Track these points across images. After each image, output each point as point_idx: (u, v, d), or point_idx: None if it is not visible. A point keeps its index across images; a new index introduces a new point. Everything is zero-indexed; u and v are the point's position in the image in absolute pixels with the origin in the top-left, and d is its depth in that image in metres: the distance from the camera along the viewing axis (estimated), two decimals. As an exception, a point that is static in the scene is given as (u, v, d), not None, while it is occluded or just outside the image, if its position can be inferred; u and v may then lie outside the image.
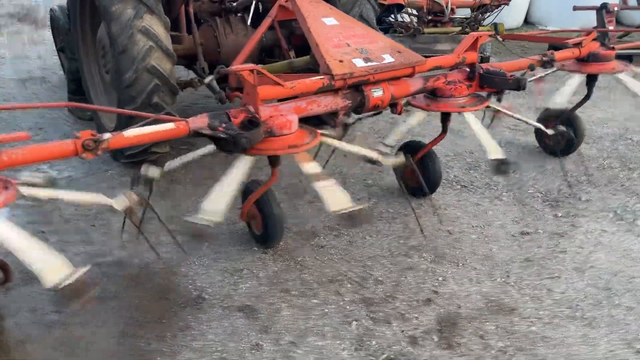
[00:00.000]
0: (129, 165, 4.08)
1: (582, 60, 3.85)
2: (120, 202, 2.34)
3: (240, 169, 2.47)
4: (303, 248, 3.16)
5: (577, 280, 2.87)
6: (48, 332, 2.50)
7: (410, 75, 3.05)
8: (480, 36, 3.24)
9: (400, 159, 2.96)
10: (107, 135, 2.28)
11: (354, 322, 2.58)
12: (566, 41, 3.81)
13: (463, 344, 2.44)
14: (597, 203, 3.66)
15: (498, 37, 3.99)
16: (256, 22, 4.40)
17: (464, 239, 3.26)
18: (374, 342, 2.45)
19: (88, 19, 4.30)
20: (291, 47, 4.56)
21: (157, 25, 3.50)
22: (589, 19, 5.65)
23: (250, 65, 2.52)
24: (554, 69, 3.82)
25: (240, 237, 3.24)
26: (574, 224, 3.42)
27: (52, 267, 2.02)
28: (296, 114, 2.68)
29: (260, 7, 4.57)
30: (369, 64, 2.86)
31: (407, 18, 7.28)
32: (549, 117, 4.20)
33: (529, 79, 3.34)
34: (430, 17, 7.32)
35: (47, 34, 8.37)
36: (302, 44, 4.76)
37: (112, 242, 3.18)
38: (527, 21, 10.48)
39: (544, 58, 3.62)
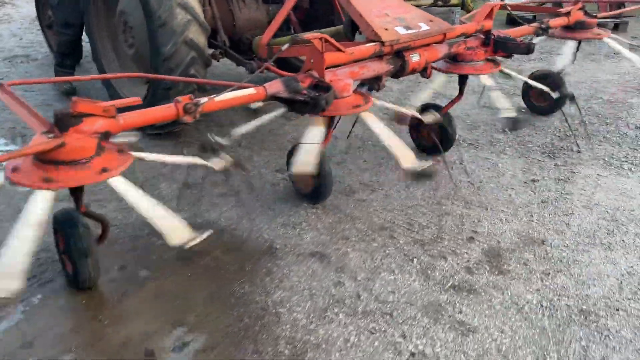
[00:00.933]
0: (154, 137, 4.24)
1: (569, 28, 4.35)
2: (217, 163, 2.57)
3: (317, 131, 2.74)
4: (347, 203, 3.49)
5: (588, 215, 3.37)
6: (142, 287, 2.72)
7: (442, 42, 3.40)
8: (495, 6, 3.63)
9: (437, 116, 3.32)
10: (203, 100, 2.49)
11: (414, 259, 2.94)
12: (557, 10, 4.28)
13: (511, 269, 2.86)
14: (587, 153, 4.19)
15: (508, 7, 4.39)
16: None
17: (484, 188, 3.69)
18: (437, 274, 2.83)
19: (103, -5, 4.36)
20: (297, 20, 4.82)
21: (193, 0, 3.66)
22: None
23: (319, 34, 2.79)
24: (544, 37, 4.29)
25: (285, 196, 3.53)
26: (573, 170, 3.92)
27: (176, 228, 2.25)
28: (351, 78, 2.99)
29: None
30: (410, 31, 3.19)
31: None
32: (535, 80, 4.68)
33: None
34: (404, -9, 7.67)
35: (11, 11, 8.14)
36: (304, 18, 5.04)
37: (171, 203, 3.38)
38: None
39: (541, 25, 4.07)
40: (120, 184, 2.24)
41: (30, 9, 7.15)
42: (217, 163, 2.57)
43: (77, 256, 2.47)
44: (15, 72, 5.79)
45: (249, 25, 4.48)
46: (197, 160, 2.57)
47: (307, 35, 2.80)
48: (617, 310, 2.57)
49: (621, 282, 2.76)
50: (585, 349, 2.34)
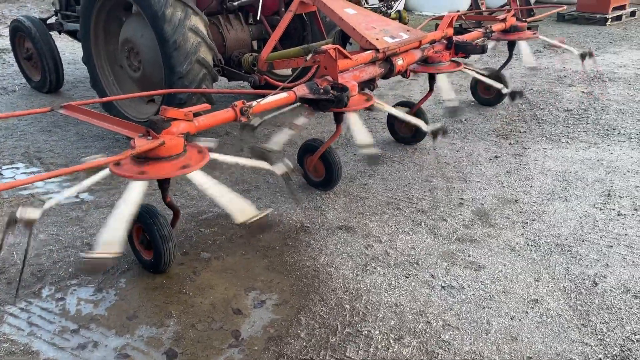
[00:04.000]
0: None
1: (506, 32, 5.25)
2: (279, 168, 3.09)
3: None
4: (352, 187, 4.11)
5: (544, 178, 4.19)
6: (208, 266, 3.19)
7: (418, 48, 4.13)
8: (454, 16, 4.43)
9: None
10: (253, 103, 3.05)
11: (421, 223, 3.62)
12: (496, 17, 5.17)
13: (498, 222, 3.60)
14: (531, 133, 5.08)
15: (463, 17, 5.22)
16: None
17: (459, 166, 4.44)
18: (442, 231, 3.51)
19: (102, 26, 4.75)
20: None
21: (200, 24, 4.18)
22: (454, 4, 7.21)
23: (333, 45, 3.41)
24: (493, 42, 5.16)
25: (299, 187, 4.09)
26: (524, 147, 4.78)
27: (242, 208, 2.77)
28: (355, 81, 3.64)
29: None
30: (395, 40, 3.89)
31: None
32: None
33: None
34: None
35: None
36: (283, 34, 5.64)
37: (204, 200, 3.85)
38: (406, 7, 12.18)
39: (486, 31, 4.93)
40: (198, 177, 2.73)
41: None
42: (279, 168, 3.08)
43: (161, 242, 2.92)
44: (1, 102, 5.97)
45: (237, 44, 5.02)
46: (264, 164, 3.08)
47: (324, 46, 3.42)
48: (583, 241, 3.36)
49: (581, 222, 3.56)
50: (567, 269, 3.10)
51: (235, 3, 4.90)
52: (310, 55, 3.40)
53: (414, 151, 4.70)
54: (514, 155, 4.62)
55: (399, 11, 8.65)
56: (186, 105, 4.23)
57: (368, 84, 3.94)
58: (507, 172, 4.32)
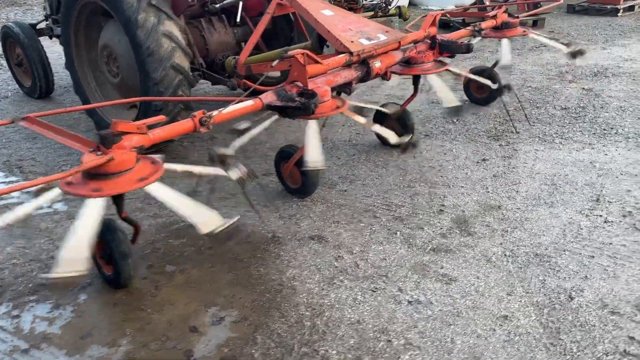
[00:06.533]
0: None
1: (497, 29, 5.06)
2: (234, 173, 2.99)
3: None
4: (332, 193, 4.00)
5: (532, 182, 4.03)
6: (172, 280, 3.12)
7: (397, 49, 3.99)
8: (437, 15, 4.27)
9: (397, 107, 3.91)
10: (214, 113, 2.96)
11: (397, 232, 3.49)
12: (485, 14, 4.98)
13: (477, 231, 3.45)
14: (524, 133, 4.89)
15: (447, 15, 5.05)
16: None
17: (444, 170, 4.29)
18: (417, 241, 3.38)
19: (83, 32, 4.71)
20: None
21: (175, 29, 4.10)
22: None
23: (302, 50, 3.30)
24: (480, 37, 4.98)
25: (276, 194, 4.00)
26: (515, 148, 4.60)
27: (207, 218, 2.68)
28: (328, 85, 3.52)
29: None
30: (372, 42, 3.76)
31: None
32: (475, 74, 5.38)
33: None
34: (345, 3, 8.32)
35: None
36: (267, 37, 5.55)
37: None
38: (411, 3, 11.94)
39: (475, 28, 4.75)
40: (156, 189, 2.66)
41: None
42: (234, 173, 2.98)
43: (119, 258, 2.85)
44: (-11, 110, 6.01)
45: (220, 47, 4.94)
46: (218, 170, 2.98)
47: (292, 51, 3.31)
48: (564, 251, 3.20)
49: (564, 231, 3.40)
50: (543, 282, 2.95)
51: (217, 5, 4.81)
52: (276, 62, 3.29)
53: (400, 155, 4.56)
54: (503, 157, 4.45)
55: (399, 7, 8.50)
56: (162, 112, 4.16)
57: (344, 88, 3.81)
58: (493, 176, 4.16)
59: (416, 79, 4.37)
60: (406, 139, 3.77)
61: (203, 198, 3.94)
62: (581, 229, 3.41)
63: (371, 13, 8.34)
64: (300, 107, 3.13)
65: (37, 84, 6.08)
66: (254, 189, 4.09)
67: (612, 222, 3.46)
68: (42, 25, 6.17)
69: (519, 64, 7.00)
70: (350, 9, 8.35)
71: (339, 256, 3.27)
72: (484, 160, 4.42)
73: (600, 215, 3.53)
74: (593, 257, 3.13)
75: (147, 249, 3.40)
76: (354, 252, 3.30)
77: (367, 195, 3.97)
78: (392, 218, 3.65)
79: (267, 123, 3.41)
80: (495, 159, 4.43)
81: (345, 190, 4.05)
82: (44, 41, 6.27)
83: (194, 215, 2.67)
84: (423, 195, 3.93)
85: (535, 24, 9.11)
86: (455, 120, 5.26)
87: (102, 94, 4.89)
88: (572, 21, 9.69)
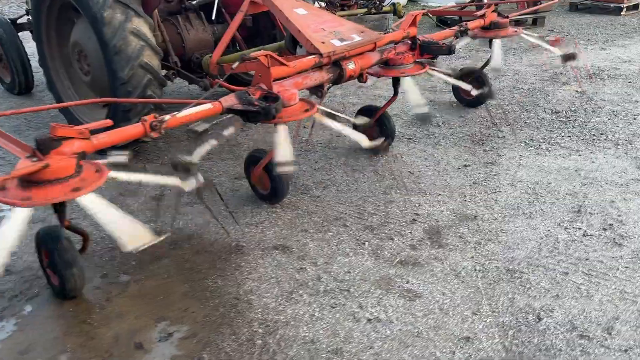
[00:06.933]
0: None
1: (486, 29, 4.87)
2: (188, 184, 2.84)
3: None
4: (304, 200, 3.85)
5: (512, 191, 3.86)
6: (124, 291, 2.99)
7: (373, 50, 3.82)
8: (418, 14, 4.09)
9: (366, 120, 3.75)
10: (167, 117, 2.81)
11: (365, 242, 3.34)
12: (473, 13, 4.80)
13: (449, 243, 3.30)
14: (510, 138, 4.71)
15: (429, 14, 4.87)
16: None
17: (423, 176, 4.13)
18: (386, 253, 3.23)
19: (54, 27, 4.57)
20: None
21: (143, 26, 3.95)
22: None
23: (264, 52, 3.15)
24: (469, 38, 4.80)
25: (246, 200, 3.85)
26: (499, 154, 4.43)
27: (135, 234, 2.53)
28: (296, 88, 3.36)
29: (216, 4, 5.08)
30: (344, 43, 3.59)
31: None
32: (463, 76, 5.20)
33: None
34: (338, 0, 8.14)
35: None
36: (248, 35, 5.40)
37: (142, 215, 3.65)
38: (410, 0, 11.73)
39: (460, 28, 4.57)
40: (87, 200, 2.49)
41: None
42: (188, 184, 2.83)
43: (63, 268, 2.72)
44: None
45: (197, 45, 4.79)
46: (172, 180, 2.84)
47: (254, 53, 3.15)
48: (537, 266, 3.04)
49: (540, 244, 3.23)
50: (512, 300, 2.79)
51: (194, 2, 4.66)
52: (236, 64, 3.14)
53: (379, 159, 4.40)
54: (485, 164, 4.28)
55: (393, 4, 8.31)
56: (131, 112, 4.03)
57: (316, 91, 3.66)
58: (473, 183, 3.99)
59: (396, 81, 4.20)
60: (378, 142, 3.60)
61: (171, 202, 3.82)
62: (558, 242, 3.24)
63: (365, 10, 8.19)
64: (260, 112, 2.98)
65: (16, 80, 5.96)
66: (224, 193, 3.95)
67: (591, 235, 3.29)
68: (23, 20, 6.04)
69: (513, 64, 6.81)
70: (343, 6, 8.21)
71: (301, 268, 3.12)
72: (465, 166, 4.25)
73: (580, 228, 3.36)
74: (567, 273, 2.96)
75: (105, 257, 3.27)
76: (318, 263, 3.15)
77: (340, 202, 3.81)
78: (362, 227, 3.49)
79: (232, 129, 3.27)
80: (477, 165, 4.26)
81: (318, 196, 3.89)
82: (25, 37, 6.16)
83: (121, 231, 2.51)
84: (397, 203, 3.77)
85: (535, 23, 8.89)
86: (440, 123, 5.08)
87: (76, 92, 4.76)
88: (573, 19, 9.46)
